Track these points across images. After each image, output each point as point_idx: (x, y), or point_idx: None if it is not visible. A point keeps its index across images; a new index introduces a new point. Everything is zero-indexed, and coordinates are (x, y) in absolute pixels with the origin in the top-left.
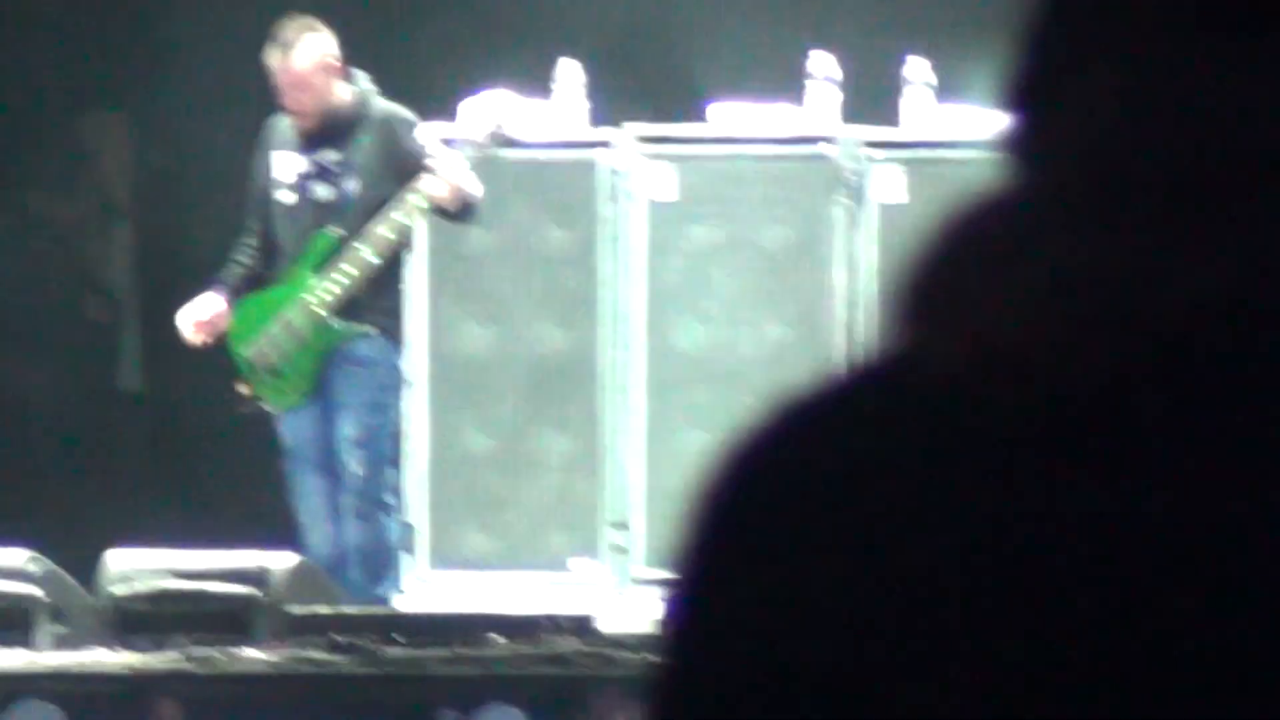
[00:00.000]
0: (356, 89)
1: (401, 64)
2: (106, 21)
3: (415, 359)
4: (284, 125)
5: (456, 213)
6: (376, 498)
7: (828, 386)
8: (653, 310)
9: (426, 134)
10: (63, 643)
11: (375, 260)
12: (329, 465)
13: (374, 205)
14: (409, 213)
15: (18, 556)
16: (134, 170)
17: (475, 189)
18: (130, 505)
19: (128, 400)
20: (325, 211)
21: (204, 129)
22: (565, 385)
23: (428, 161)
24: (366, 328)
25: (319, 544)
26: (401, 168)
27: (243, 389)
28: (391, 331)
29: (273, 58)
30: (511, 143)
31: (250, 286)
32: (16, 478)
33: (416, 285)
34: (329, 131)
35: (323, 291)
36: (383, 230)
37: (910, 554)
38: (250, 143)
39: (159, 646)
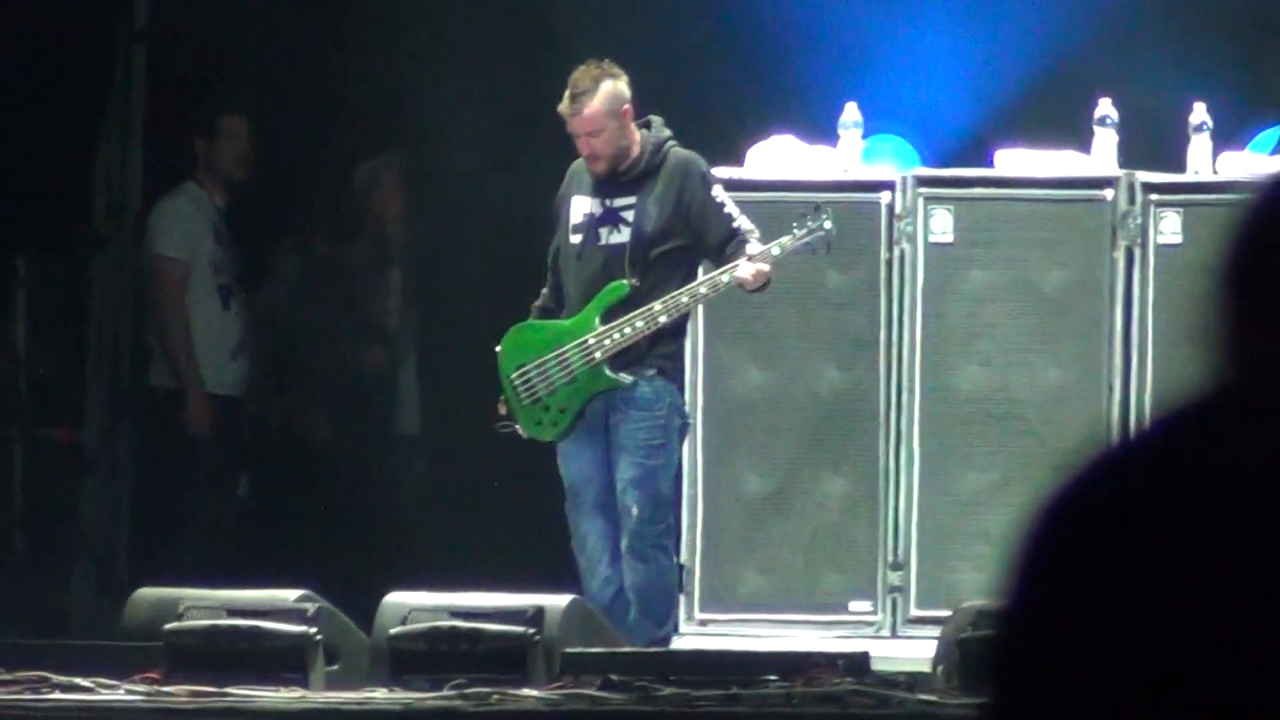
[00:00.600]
0: (651, 135)
1: (690, 109)
2: (385, 70)
3: (692, 400)
4: (581, 170)
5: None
6: (655, 539)
7: (1154, 425)
8: (931, 352)
9: (721, 191)
10: (338, 682)
11: (664, 320)
12: (608, 506)
13: (662, 251)
14: (714, 287)
15: (294, 597)
16: (409, 215)
17: (761, 283)
18: (408, 547)
19: (406, 443)
20: (612, 255)
21: (477, 174)
22: (843, 426)
23: (734, 226)
24: (636, 379)
25: (597, 585)
26: (692, 216)
27: (501, 409)
28: (672, 374)
29: (566, 105)
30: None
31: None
32: (298, 520)
33: (694, 327)
34: (622, 177)
35: (605, 338)
36: (684, 298)
37: (1257, 592)
38: (521, 188)
39: (434, 686)
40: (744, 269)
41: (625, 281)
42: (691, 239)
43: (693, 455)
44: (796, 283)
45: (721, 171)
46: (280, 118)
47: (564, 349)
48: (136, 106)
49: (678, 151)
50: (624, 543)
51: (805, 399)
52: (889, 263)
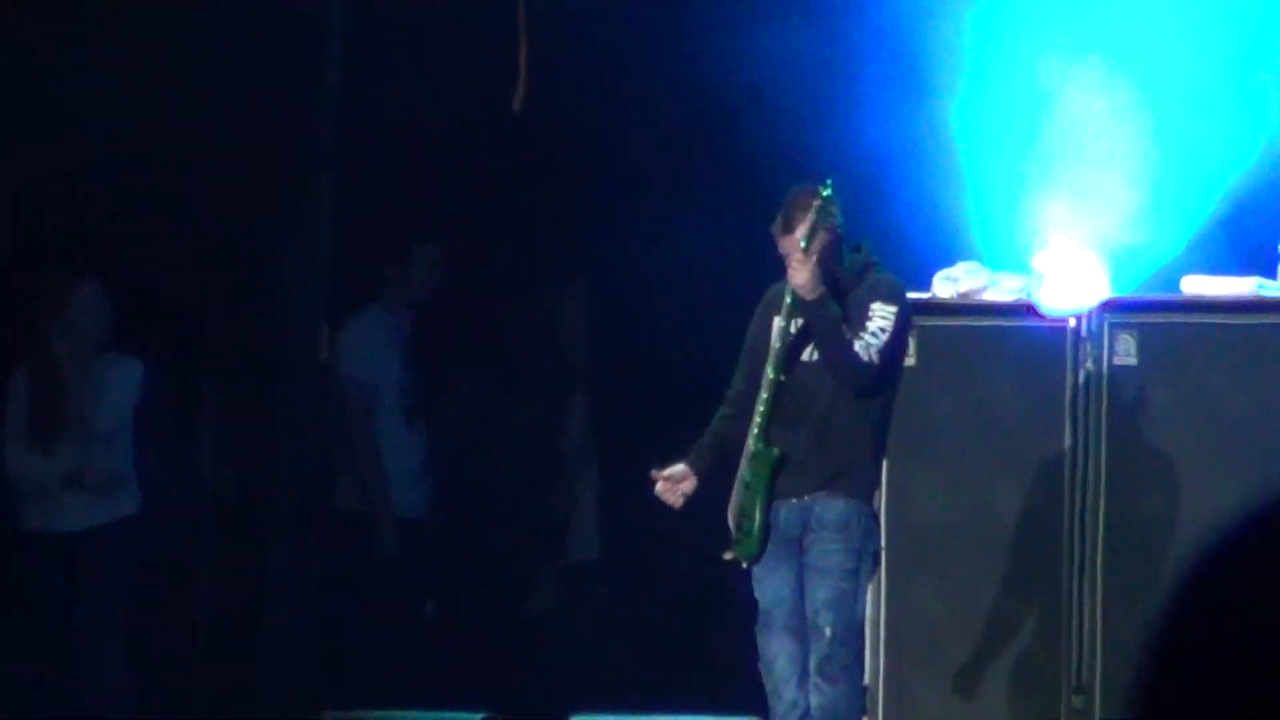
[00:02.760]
0: (859, 259)
1: (885, 233)
2: (569, 200)
3: None
4: (782, 291)
5: (820, 325)
6: (846, 662)
7: None
8: (1113, 475)
9: (885, 309)
10: None
11: (773, 374)
12: (799, 630)
13: None
14: (791, 318)
15: (478, 718)
16: (590, 337)
17: (803, 277)
18: (591, 672)
19: (585, 567)
20: (804, 371)
21: (654, 299)
22: (1026, 550)
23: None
24: (776, 450)
25: (784, 708)
26: (853, 315)
27: (726, 556)
28: (866, 497)
29: (779, 225)
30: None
31: (720, 453)
32: (482, 643)
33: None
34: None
35: (754, 428)
36: (776, 343)
37: None
38: (695, 313)
39: None
40: (792, 275)
41: (768, 373)
42: None
43: (878, 577)
44: (980, 405)
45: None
46: (467, 241)
47: (743, 471)
48: (323, 227)
49: (882, 276)
50: (814, 665)
51: (989, 522)
52: (1074, 387)
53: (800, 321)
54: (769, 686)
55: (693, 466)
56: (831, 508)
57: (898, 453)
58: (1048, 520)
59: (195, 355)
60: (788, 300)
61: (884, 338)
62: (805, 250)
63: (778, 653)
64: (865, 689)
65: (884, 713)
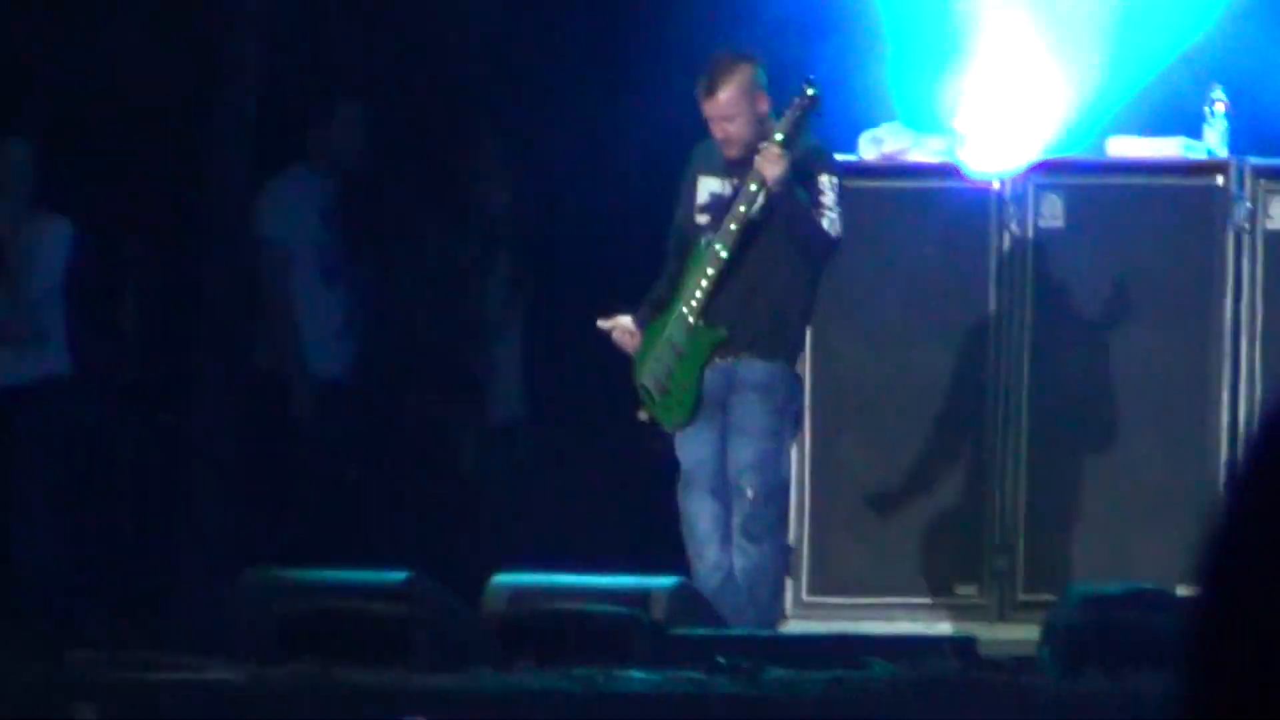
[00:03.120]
0: (784, 121)
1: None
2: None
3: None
4: (709, 150)
5: (788, 210)
6: (768, 523)
7: None
8: (1038, 337)
9: (829, 183)
10: (443, 663)
11: (724, 255)
12: (720, 490)
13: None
14: (750, 201)
15: (400, 578)
16: (514, 202)
17: (779, 170)
18: (513, 533)
19: (510, 428)
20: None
21: (579, 156)
22: (949, 411)
23: (821, 198)
24: (722, 330)
25: (706, 569)
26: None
27: (641, 415)
28: (790, 358)
29: (702, 89)
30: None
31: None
32: (403, 504)
33: None
34: (753, 158)
35: (691, 298)
36: (731, 225)
37: None
38: (623, 173)
39: (540, 667)
40: (763, 168)
41: (703, 243)
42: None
43: (800, 437)
44: (906, 268)
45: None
46: (388, 102)
47: (668, 333)
48: (247, 89)
49: (812, 140)
50: (737, 525)
51: (913, 383)
52: (999, 249)
53: (733, 183)
54: (690, 548)
55: (649, 312)
56: (755, 369)
57: (823, 315)
58: (972, 382)
59: (118, 217)
60: (717, 160)
61: (839, 209)
62: (783, 145)
63: (699, 513)
64: (789, 549)
65: (808, 572)
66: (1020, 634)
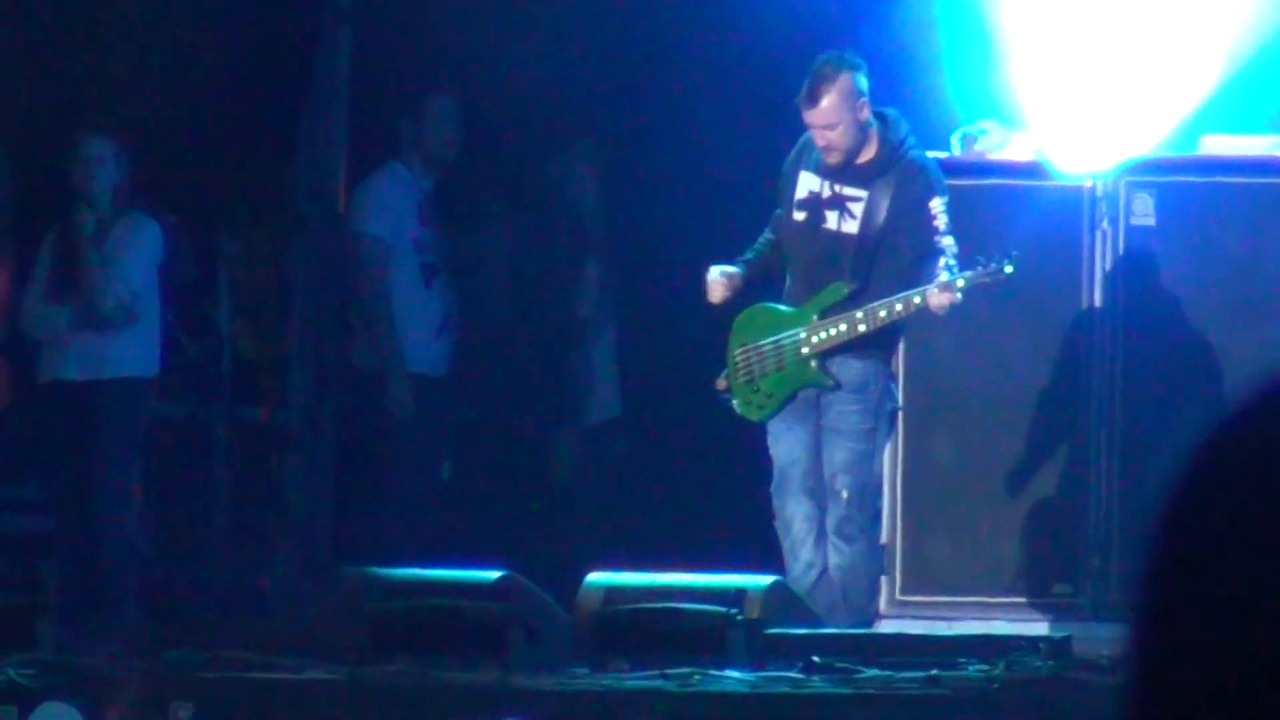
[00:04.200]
0: (889, 131)
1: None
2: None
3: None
4: (811, 144)
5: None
6: (863, 523)
7: None
8: (1130, 336)
9: (940, 204)
10: (538, 663)
11: (863, 329)
12: (816, 490)
13: (880, 249)
14: (908, 306)
15: (495, 576)
16: (605, 202)
17: (946, 307)
18: (610, 529)
19: (606, 426)
20: (839, 245)
21: (669, 162)
22: (1043, 410)
23: (934, 240)
24: (838, 382)
25: (800, 569)
26: (913, 223)
27: (720, 383)
28: (884, 359)
29: (804, 96)
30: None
31: (764, 273)
32: (500, 501)
33: None
34: (855, 169)
35: (815, 334)
36: (881, 312)
37: None
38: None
39: (636, 666)
40: (936, 297)
41: (845, 285)
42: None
43: (895, 436)
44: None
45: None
46: (485, 100)
47: (781, 337)
48: (340, 85)
49: (916, 154)
50: (831, 525)
51: (1007, 382)
52: (1090, 247)
53: (831, 186)
54: (785, 546)
55: (744, 269)
56: (849, 368)
57: (915, 314)
58: (1065, 380)
59: (212, 213)
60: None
61: (950, 225)
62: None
63: (795, 513)
64: (883, 548)
65: (902, 571)
66: (1115, 633)
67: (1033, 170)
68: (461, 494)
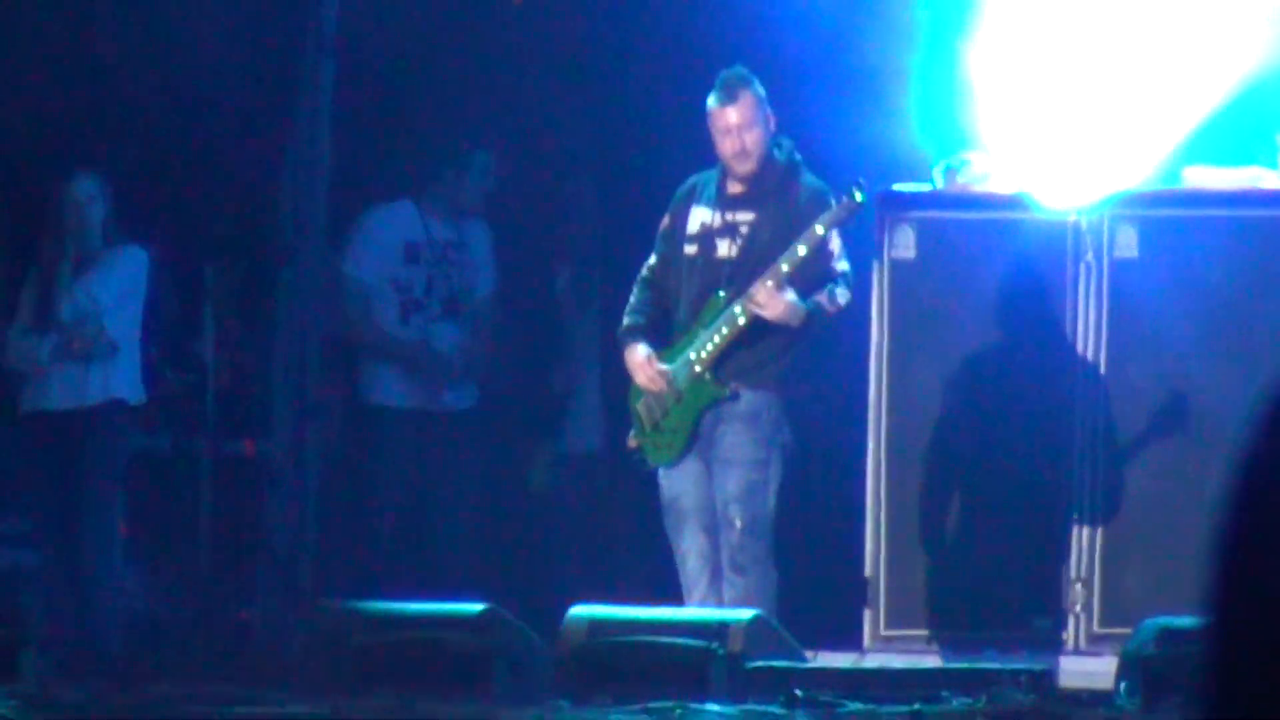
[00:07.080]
0: (782, 156)
1: (885, 120)
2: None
3: (875, 416)
4: (702, 183)
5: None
6: (756, 553)
7: None
8: (1114, 369)
9: (830, 231)
10: (521, 696)
11: (743, 322)
12: (710, 525)
13: (761, 266)
14: (777, 280)
15: (477, 610)
16: (599, 237)
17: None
18: (592, 562)
19: (588, 457)
20: (722, 265)
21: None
22: (1026, 440)
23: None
24: (738, 387)
25: (695, 604)
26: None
27: (631, 442)
28: (777, 388)
29: (716, 99)
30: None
31: (651, 334)
32: (481, 537)
33: (875, 338)
34: (752, 191)
35: (703, 350)
36: (759, 295)
37: None
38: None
39: (617, 700)
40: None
41: (721, 294)
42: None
43: (876, 471)
44: (981, 298)
45: (909, 187)
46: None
47: (673, 369)
48: (324, 117)
49: (811, 179)
50: (725, 557)
51: (988, 413)
52: (1074, 280)
53: (722, 215)
54: (682, 581)
55: (645, 339)
56: (741, 399)
57: (897, 344)
58: (1047, 412)
59: (196, 243)
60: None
61: (846, 252)
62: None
63: (689, 549)
64: (867, 581)
65: (886, 605)
66: (1097, 667)
67: (1016, 203)
68: (443, 526)
